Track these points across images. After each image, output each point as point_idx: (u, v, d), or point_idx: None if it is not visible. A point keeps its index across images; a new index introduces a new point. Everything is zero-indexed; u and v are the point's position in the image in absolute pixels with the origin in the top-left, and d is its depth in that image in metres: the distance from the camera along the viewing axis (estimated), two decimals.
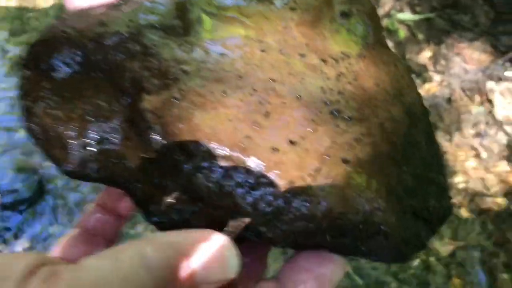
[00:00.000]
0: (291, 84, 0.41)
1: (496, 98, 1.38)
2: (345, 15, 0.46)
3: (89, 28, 0.42)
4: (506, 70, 1.42)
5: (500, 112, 1.37)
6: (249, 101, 0.40)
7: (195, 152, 0.37)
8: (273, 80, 0.41)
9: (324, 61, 0.43)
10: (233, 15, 0.44)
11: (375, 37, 0.46)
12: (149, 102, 0.39)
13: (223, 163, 0.37)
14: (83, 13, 0.44)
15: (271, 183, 0.37)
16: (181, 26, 0.43)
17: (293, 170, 0.37)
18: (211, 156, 0.37)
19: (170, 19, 0.43)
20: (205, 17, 0.44)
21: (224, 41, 0.43)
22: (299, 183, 0.37)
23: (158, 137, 0.38)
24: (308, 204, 0.35)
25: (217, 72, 0.40)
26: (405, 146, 0.43)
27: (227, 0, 0.45)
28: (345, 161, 0.39)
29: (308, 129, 0.39)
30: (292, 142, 0.38)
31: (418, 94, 0.47)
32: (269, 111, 0.40)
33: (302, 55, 0.43)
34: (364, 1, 0.48)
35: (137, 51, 0.41)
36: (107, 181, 0.40)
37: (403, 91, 0.45)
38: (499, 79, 1.41)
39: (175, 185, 0.36)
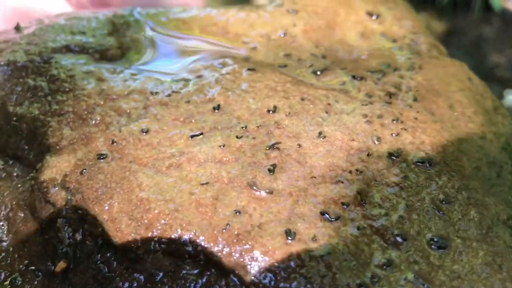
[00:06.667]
0: (309, 114, 0.24)
1: None
2: (373, 15, 0.31)
3: None
4: None
5: None
6: (238, 147, 0.22)
7: (140, 253, 0.19)
8: (275, 111, 0.23)
9: (359, 78, 0.26)
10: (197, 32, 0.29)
11: (426, 42, 0.30)
12: (55, 168, 0.22)
13: (195, 269, 0.19)
14: None
15: None
16: (117, 46, 0.27)
17: (342, 272, 0.19)
18: (171, 258, 0.19)
19: (100, 37, 0.27)
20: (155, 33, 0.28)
21: (187, 62, 0.26)
22: None
23: (69, 230, 0.20)
24: None
25: (178, 107, 0.23)
26: None
27: (189, 11, 0.29)
28: (438, 243, 0.20)
29: (352, 188, 0.21)
30: (328, 217, 0.20)
31: None
32: (277, 163, 0.22)
33: (319, 71, 0.26)
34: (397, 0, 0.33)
35: (39, 88, 0.24)
36: None
37: (492, 117, 0.27)
38: None
39: None
